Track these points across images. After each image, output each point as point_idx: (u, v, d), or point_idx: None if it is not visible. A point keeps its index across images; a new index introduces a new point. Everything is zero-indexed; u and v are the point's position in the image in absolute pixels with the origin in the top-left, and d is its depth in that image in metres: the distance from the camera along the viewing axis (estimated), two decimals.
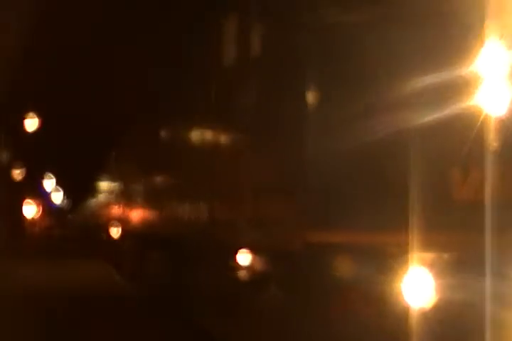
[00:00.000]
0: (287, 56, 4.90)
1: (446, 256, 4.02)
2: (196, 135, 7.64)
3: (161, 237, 10.30)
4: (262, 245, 5.08)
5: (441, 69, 4.12)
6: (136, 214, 14.44)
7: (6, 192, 37.36)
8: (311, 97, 4.38)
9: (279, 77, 5.02)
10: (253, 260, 5.63)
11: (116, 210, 20.53)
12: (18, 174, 44.99)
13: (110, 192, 23.88)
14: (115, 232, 20.68)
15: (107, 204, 25.07)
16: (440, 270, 3.94)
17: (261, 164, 5.09)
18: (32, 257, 22.80)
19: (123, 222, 17.98)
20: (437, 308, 3.88)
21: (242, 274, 5.95)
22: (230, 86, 5.99)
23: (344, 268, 4.06)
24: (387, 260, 3.94)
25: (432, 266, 3.93)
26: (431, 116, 4.10)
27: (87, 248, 31.00)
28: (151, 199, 11.81)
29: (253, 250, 5.49)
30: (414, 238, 3.88)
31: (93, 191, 37.99)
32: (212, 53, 6.63)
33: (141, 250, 13.73)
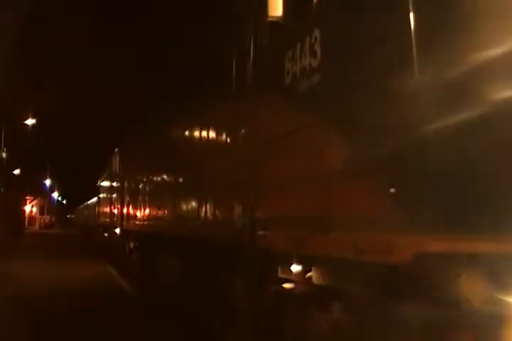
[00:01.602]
0: None
1: None
2: (229, 110, 6.29)
3: (174, 239, 9.08)
4: (330, 251, 3.78)
5: None
6: (144, 213, 13.23)
7: (7, 191, 36.88)
8: (415, 39, 3.03)
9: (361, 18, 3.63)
10: (308, 270, 4.35)
11: (120, 209, 19.36)
12: (18, 173, 44.65)
13: (115, 189, 22.72)
14: (118, 232, 19.62)
15: (110, 203, 23.99)
16: None
17: (337, 140, 3.74)
18: (32, 257, 22.36)
19: (128, 221, 16.82)
20: None
21: (291, 288, 4.69)
22: (286, 40, 4.66)
23: (471, 288, 2.79)
24: None
25: None
26: None
27: (89, 248, 30.20)
28: (164, 195, 10.55)
29: (312, 257, 4.20)
30: None
31: (94, 189, 37.06)
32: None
33: (149, 252, 12.58)
